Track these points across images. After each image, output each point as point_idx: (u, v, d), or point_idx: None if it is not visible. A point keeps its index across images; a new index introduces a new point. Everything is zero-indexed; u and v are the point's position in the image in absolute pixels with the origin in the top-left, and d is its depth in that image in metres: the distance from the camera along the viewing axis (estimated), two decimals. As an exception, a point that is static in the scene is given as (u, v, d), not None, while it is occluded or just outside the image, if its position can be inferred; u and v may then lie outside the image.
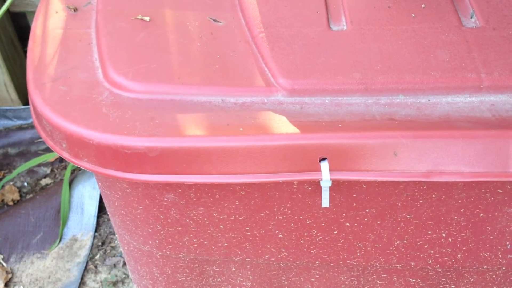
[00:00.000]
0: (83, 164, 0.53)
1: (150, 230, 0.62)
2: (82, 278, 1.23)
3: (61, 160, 1.43)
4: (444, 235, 0.60)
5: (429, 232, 0.59)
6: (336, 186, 0.54)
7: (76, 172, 1.36)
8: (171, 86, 0.54)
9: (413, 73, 0.55)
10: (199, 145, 0.49)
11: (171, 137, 0.49)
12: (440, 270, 0.65)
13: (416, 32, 0.58)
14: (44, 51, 0.60)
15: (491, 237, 0.60)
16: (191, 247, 0.63)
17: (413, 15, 0.60)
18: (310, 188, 0.55)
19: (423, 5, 0.61)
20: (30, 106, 0.57)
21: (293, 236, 0.61)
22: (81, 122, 0.51)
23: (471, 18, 0.60)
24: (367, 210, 0.57)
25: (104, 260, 1.26)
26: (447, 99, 0.54)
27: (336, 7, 0.61)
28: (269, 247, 0.62)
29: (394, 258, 0.63)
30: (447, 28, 0.59)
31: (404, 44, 0.57)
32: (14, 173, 1.36)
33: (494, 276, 0.66)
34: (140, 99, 0.53)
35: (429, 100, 0.54)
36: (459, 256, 0.62)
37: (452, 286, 0.68)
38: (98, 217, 1.33)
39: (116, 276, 1.23)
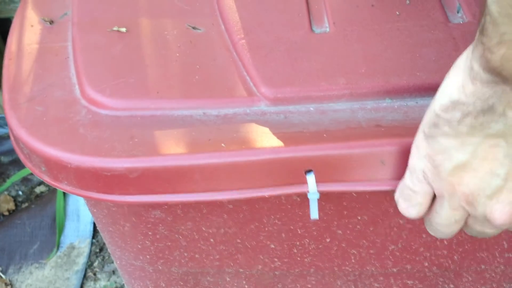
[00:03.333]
0: (63, 187, 0.51)
1: (139, 246, 0.61)
2: (81, 286, 1.22)
3: (54, 167, 1.42)
4: (439, 237, 0.58)
5: (424, 235, 0.58)
6: (325, 195, 0.53)
7: (70, 179, 1.34)
8: (150, 101, 0.52)
9: (399, 75, 0.53)
10: (180, 163, 0.48)
11: (151, 156, 0.48)
12: (437, 271, 0.64)
13: (401, 31, 0.56)
14: (19, 68, 0.58)
15: (488, 237, 0.58)
16: (183, 261, 0.62)
17: (398, 13, 0.58)
18: (299, 199, 0.54)
19: (407, 1, 0.59)
20: (9, 128, 0.55)
21: (285, 246, 0.59)
22: (58, 145, 0.49)
23: (457, 13, 0.58)
24: (359, 218, 0.56)
25: (103, 267, 1.25)
26: (435, 100, 0.52)
27: (318, 8, 0.59)
28: (261, 257, 0.61)
29: (389, 262, 0.62)
30: (433, 25, 0.57)
31: (389, 45, 0.56)
32: (8, 183, 1.35)
33: (493, 274, 0.65)
34: (118, 117, 0.52)
35: (416, 103, 0.53)
36: (455, 257, 0.61)
37: (451, 285, 0.67)
38: (95, 223, 1.32)
39: (115, 282, 1.23)
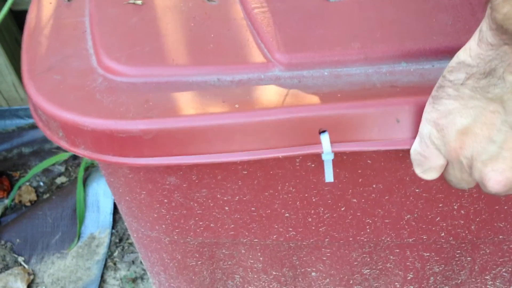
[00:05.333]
0: (80, 151, 0.52)
1: (155, 215, 0.62)
2: (102, 276, 1.24)
3: (74, 157, 1.44)
4: (455, 207, 0.58)
5: (440, 205, 0.57)
6: (340, 162, 0.53)
7: (90, 170, 1.36)
8: (165, 68, 0.53)
9: (415, 39, 0.53)
10: (193, 124, 0.48)
11: (165, 118, 0.48)
12: (454, 242, 0.63)
13: (416, -3, 0.56)
14: (38, 43, 0.60)
15: (505, 207, 0.57)
16: (198, 230, 0.62)
17: (413, -20, 0.58)
18: (313, 165, 0.53)
19: (422, -31, 0.59)
20: (28, 97, 0.56)
21: (300, 214, 0.59)
22: (74, 109, 0.50)
23: (474, -22, 0.58)
24: (374, 186, 0.55)
25: (123, 257, 1.26)
26: (451, 64, 0.52)
27: (332, -23, 0.59)
28: (276, 226, 0.61)
29: (405, 232, 0.61)
30: (449, -10, 0.56)
31: (404, 10, 0.55)
32: (29, 174, 1.37)
33: (511, 246, 0.63)
34: (134, 83, 0.53)
35: (433, 66, 0.52)
36: (472, 227, 0.60)
37: (468, 258, 0.66)
38: (114, 214, 1.34)
39: (135, 272, 1.24)
